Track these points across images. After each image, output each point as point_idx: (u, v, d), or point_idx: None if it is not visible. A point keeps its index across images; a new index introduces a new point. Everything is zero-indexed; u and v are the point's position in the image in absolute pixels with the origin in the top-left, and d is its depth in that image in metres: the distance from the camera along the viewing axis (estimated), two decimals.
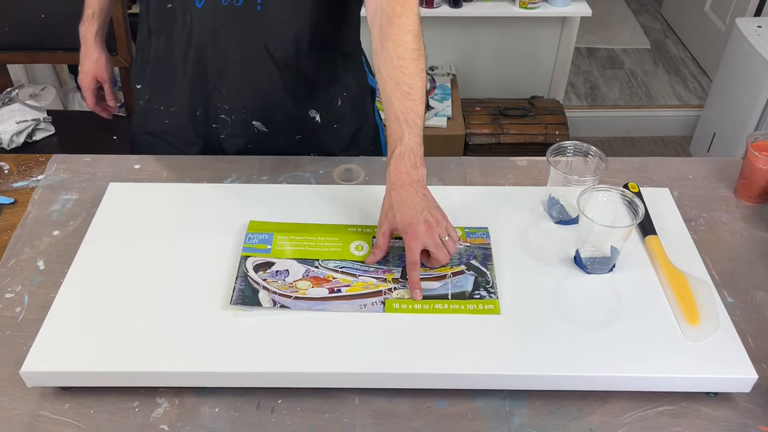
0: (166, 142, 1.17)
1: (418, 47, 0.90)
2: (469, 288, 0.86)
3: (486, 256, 0.91)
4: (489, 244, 0.93)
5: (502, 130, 2.36)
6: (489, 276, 0.88)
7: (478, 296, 0.85)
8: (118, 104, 1.27)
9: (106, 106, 1.27)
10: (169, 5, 1.03)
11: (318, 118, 1.14)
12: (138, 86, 1.16)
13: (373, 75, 1.19)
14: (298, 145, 1.16)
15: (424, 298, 0.85)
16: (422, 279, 0.87)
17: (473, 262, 0.90)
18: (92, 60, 1.21)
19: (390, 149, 0.88)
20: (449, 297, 0.85)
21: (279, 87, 1.08)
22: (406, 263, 0.85)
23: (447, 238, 0.87)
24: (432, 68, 2.49)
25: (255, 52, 1.04)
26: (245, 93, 1.09)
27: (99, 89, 1.25)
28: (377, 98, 1.11)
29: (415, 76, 0.89)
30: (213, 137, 1.15)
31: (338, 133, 1.17)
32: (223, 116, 1.12)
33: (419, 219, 0.84)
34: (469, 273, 0.89)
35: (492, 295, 0.86)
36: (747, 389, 0.78)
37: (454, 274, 0.88)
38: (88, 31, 1.19)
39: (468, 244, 0.92)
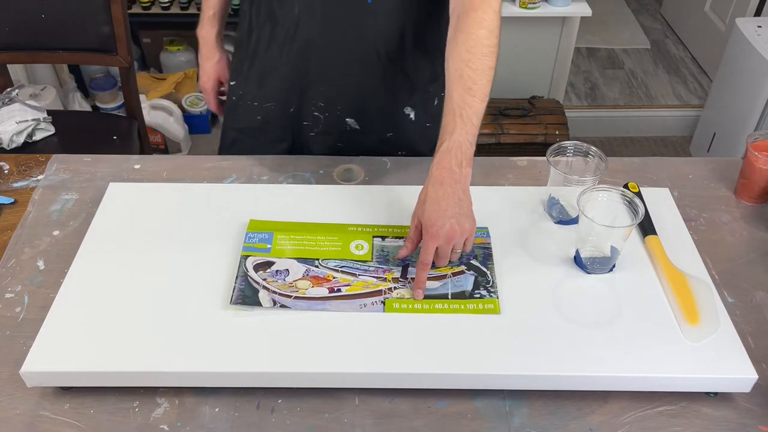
0: (252, 138, 1.17)
1: (491, 44, 0.88)
2: (470, 288, 0.86)
3: (486, 256, 0.91)
4: (489, 243, 0.93)
5: (502, 130, 2.35)
6: (489, 276, 0.88)
7: (479, 296, 0.85)
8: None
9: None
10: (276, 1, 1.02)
11: (412, 116, 1.13)
12: (233, 82, 1.17)
13: None
14: (387, 144, 1.15)
15: (425, 297, 0.85)
16: (426, 278, 0.87)
17: (473, 261, 0.90)
18: (214, 62, 1.20)
19: (439, 142, 0.86)
20: (449, 297, 0.85)
21: (379, 83, 1.08)
22: (418, 261, 0.85)
23: (459, 251, 0.87)
24: None
25: (361, 46, 1.04)
26: (344, 89, 1.09)
27: (220, 91, 1.24)
28: None
29: (481, 72, 0.87)
30: (302, 134, 1.15)
31: (429, 133, 1.15)
32: (316, 113, 1.12)
33: (445, 223, 0.83)
34: (469, 273, 0.89)
35: (492, 294, 0.86)
36: (747, 389, 0.79)
37: (454, 274, 0.88)
38: (209, 32, 1.17)
39: None
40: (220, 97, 1.24)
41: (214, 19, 1.17)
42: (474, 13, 0.87)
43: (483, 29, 0.87)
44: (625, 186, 1.01)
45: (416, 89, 1.11)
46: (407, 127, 1.14)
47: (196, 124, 2.69)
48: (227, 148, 1.22)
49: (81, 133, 1.79)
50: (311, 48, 1.04)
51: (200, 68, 1.21)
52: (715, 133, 2.49)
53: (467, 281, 0.87)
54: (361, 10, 1.00)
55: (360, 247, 0.92)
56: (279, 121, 1.14)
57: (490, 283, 0.87)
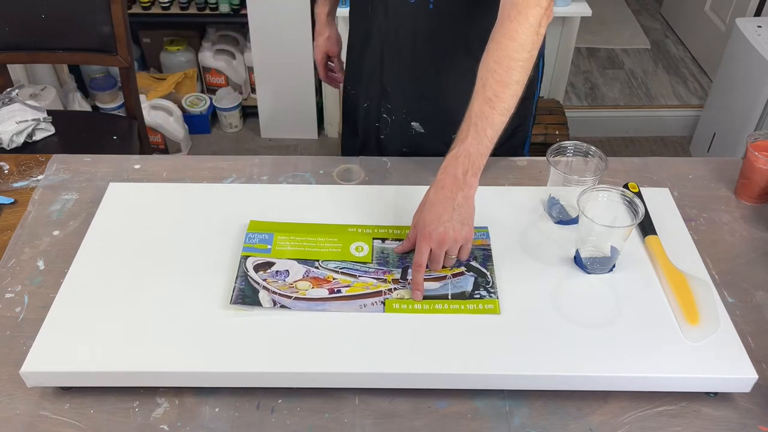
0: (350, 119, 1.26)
1: (521, 59, 0.85)
2: (469, 288, 0.86)
3: (486, 257, 0.91)
4: (489, 244, 0.93)
5: None
6: (489, 276, 0.88)
7: (478, 296, 0.85)
8: (342, 79, 1.35)
9: (335, 77, 1.35)
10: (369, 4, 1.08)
11: None
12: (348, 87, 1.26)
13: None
14: (449, 143, 1.15)
15: (424, 298, 0.85)
16: (423, 280, 0.87)
17: (473, 263, 0.90)
18: (324, 37, 1.28)
19: (451, 147, 0.87)
20: (449, 297, 0.85)
21: (443, 86, 1.09)
22: (413, 263, 0.85)
23: (453, 256, 0.87)
24: None
25: (424, 52, 1.06)
26: (409, 92, 1.12)
27: (329, 63, 1.34)
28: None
29: (505, 85, 0.85)
30: (376, 136, 1.21)
31: None
32: (385, 115, 1.16)
33: (438, 226, 0.83)
34: (469, 274, 0.89)
35: (492, 295, 0.85)
36: (747, 389, 0.79)
37: (454, 275, 0.88)
38: (322, 10, 1.27)
39: None
40: (330, 71, 1.34)
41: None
42: (509, 24, 0.86)
43: (514, 42, 0.85)
44: (625, 186, 1.01)
45: None
46: None
47: (196, 124, 2.69)
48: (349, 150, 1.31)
49: (81, 133, 1.79)
50: (385, 51, 1.10)
51: (315, 41, 1.31)
52: (715, 133, 2.49)
53: (467, 282, 0.87)
54: (425, 14, 1.02)
55: (360, 249, 0.92)
56: (358, 109, 1.22)
57: (490, 284, 0.87)
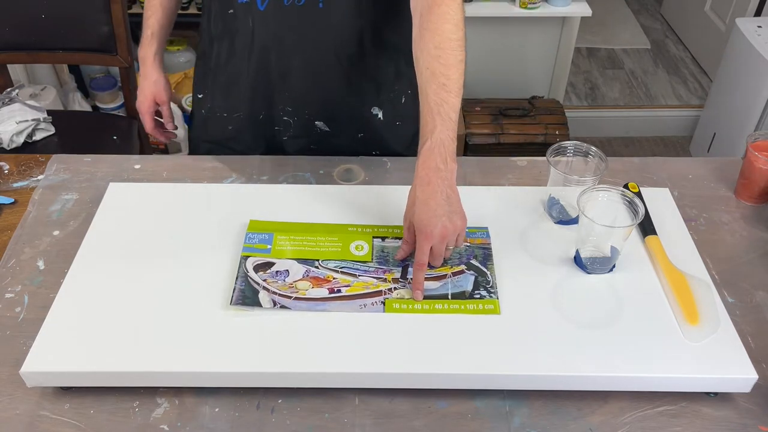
0: (227, 147, 1.17)
1: (458, 38, 0.87)
2: (469, 288, 0.86)
3: (486, 256, 0.91)
4: (489, 244, 0.93)
5: (502, 130, 2.35)
6: (489, 276, 0.88)
7: (478, 296, 0.85)
8: (174, 129, 1.24)
9: (164, 131, 1.23)
10: (231, 11, 1.02)
11: (381, 115, 1.13)
12: (199, 95, 1.17)
13: None
14: (359, 144, 1.15)
15: (425, 297, 0.85)
16: (424, 279, 0.87)
17: (473, 261, 0.90)
18: (151, 81, 1.17)
19: (421, 142, 0.86)
20: (449, 297, 0.85)
21: (343, 86, 1.08)
22: (414, 263, 0.85)
23: (452, 247, 0.87)
24: None
25: (319, 51, 1.04)
26: (309, 93, 1.09)
27: (157, 113, 1.22)
28: None
29: (452, 67, 0.86)
30: (275, 139, 1.15)
31: (401, 131, 1.16)
32: (285, 118, 1.12)
33: (437, 223, 0.83)
34: (469, 273, 0.89)
35: (492, 295, 0.86)
36: (747, 389, 0.79)
37: (454, 274, 0.88)
38: (148, 52, 1.16)
39: (468, 244, 0.92)
40: (157, 118, 1.21)
41: (153, 39, 1.15)
42: (438, 9, 0.87)
43: (448, 23, 0.87)
44: (625, 186, 1.01)
45: (382, 89, 1.11)
46: (377, 127, 1.14)
47: None
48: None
49: (81, 133, 1.79)
50: (270, 56, 1.05)
51: (138, 88, 1.19)
52: (715, 133, 2.49)
53: (467, 281, 0.87)
54: (314, 16, 1.00)
55: (360, 248, 0.92)
56: (250, 130, 1.15)
57: (490, 284, 0.87)
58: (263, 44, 1.04)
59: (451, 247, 0.87)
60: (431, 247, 0.84)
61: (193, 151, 1.23)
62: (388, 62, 1.09)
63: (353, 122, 1.13)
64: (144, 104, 1.18)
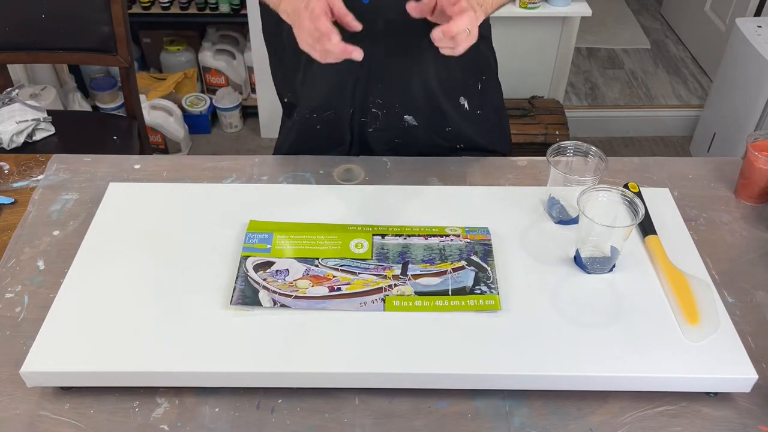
0: (314, 147, 1.18)
1: None
2: (470, 284, 0.87)
3: (486, 252, 0.91)
4: (489, 240, 0.93)
5: None
6: (490, 271, 0.88)
7: (479, 291, 0.85)
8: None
9: (350, 23, 0.92)
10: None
11: (466, 105, 1.14)
12: (285, 99, 1.18)
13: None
14: (443, 138, 1.16)
15: (425, 294, 0.85)
16: (422, 275, 0.87)
17: (474, 257, 0.90)
18: None
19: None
20: (450, 293, 0.85)
21: (436, 76, 1.09)
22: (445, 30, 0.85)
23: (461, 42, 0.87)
24: None
25: (415, 43, 1.04)
26: (402, 86, 1.09)
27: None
28: None
29: None
30: (362, 131, 1.15)
31: (481, 120, 1.17)
32: (374, 110, 1.12)
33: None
34: (469, 268, 0.89)
35: (492, 290, 0.86)
36: (747, 389, 0.79)
37: (455, 270, 0.88)
38: None
39: (468, 240, 0.93)
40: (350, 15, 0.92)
41: None
42: None
43: None
44: (625, 186, 1.01)
45: (468, 77, 1.13)
46: (462, 118, 1.15)
47: (196, 124, 2.69)
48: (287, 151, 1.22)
49: (81, 133, 1.79)
50: (369, 51, 1.01)
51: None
52: (715, 133, 2.49)
53: (467, 277, 0.87)
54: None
55: (360, 246, 0.92)
56: (339, 124, 1.15)
57: (491, 279, 0.87)
58: (360, 36, 0.98)
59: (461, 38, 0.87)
60: (465, 19, 0.85)
61: (277, 150, 1.24)
62: (474, 48, 1.04)
63: (442, 114, 1.14)
64: (319, 5, 0.88)
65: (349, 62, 0.99)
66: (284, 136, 1.23)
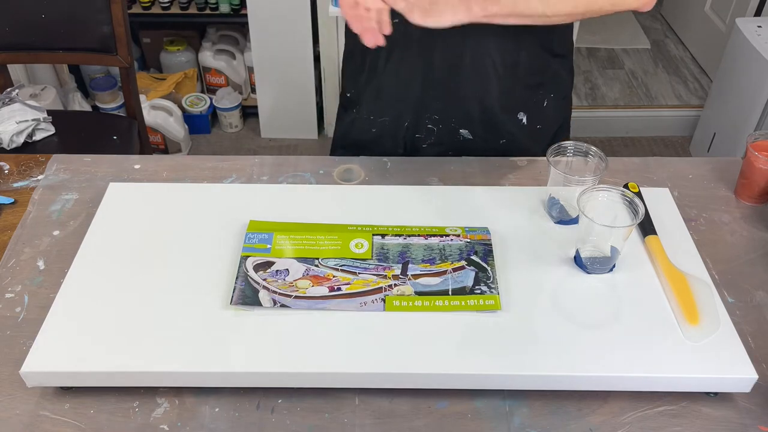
0: (367, 148, 1.18)
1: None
2: (470, 283, 0.87)
3: (486, 252, 0.91)
4: (489, 240, 0.93)
5: None
6: (490, 271, 0.88)
7: (479, 291, 0.85)
8: None
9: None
10: (396, 20, 0.92)
11: (525, 120, 1.13)
12: (348, 94, 1.18)
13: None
14: (498, 151, 1.15)
15: (425, 294, 0.85)
16: (423, 275, 0.87)
17: (474, 257, 0.90)
18: None
19: None
20: (450, 293, 0.85)
21: (496, 94, 1.08)
22: None
23: None
24: None
25: (478, 59, 1.04)
26: (460, 102, 1.09)
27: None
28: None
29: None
30: (414, 145, 1.16)
31: (541, 134, 1.16)
32: (430, 126, 1.12)
33: None
34: (469, 268, 0.89)
35: (493, 290, 0.86)
36: (747, 389, 0.79)
37: (455, 270, 0.88)
38: None
39: (468, 240, 0.93)
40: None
41: None
42: None
43: None
44: (625, 186, 1.01)
45: (529, 95, 1.11)
46: (520, 133, 1.14)
47: (196, 124, 2.70)
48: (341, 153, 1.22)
49: (81, 133, 1.79)
50: (432, 64, 1.04)
51: None
52: (715, 133, 2.49)
53: (467, 277, 0.87)
54: (475, 23, 0.94)
55: (360, 246, 0.92)
56: (392, 134, 1.15)
57: (491, 279, 0.87)
58: (427, 52, 1.03)
59: None
60: None
61: (334, 152, 1.24)
62: (538, 68, 1.08)
63: (498, 129, 1.13)
64: None
65: (412, 75, 1.04)
66: (346, 129, 1.21)
